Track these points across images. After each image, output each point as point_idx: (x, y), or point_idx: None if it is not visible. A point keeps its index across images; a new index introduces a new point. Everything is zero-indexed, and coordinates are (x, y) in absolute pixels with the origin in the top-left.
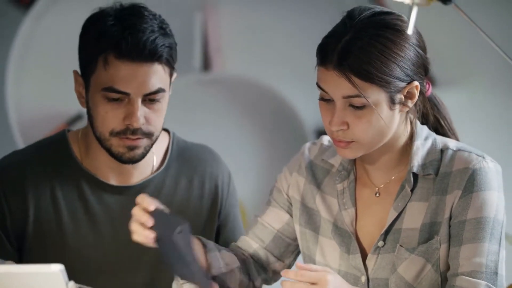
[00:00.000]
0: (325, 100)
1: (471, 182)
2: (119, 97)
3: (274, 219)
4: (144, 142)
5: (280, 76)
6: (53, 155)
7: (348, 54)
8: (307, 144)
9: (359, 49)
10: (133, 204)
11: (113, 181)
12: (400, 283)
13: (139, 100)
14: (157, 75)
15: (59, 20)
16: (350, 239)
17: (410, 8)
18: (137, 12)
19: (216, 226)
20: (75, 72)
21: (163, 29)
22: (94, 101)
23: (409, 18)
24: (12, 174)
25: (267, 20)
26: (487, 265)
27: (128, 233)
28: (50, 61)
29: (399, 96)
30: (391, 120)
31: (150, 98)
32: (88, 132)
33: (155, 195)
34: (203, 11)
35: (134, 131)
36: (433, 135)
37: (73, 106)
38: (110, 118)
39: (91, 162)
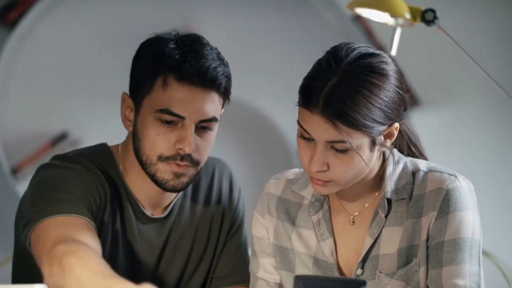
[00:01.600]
0: (305, 138)
1: (446, 203)
2: (173, 120)
3: (271, 270)
4: (190, 170)
5: (266, 95)
6: (105, 168)
7: (335, 100)
8: (271, 181)
9: (346, 95)
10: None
11: (147, 208)
12: None
13: (193, 126)
14: (213, 104)
15: (43, 40)
16: (331, 270)
17: (393, 29)
18: (197, 39)
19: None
20: (124, 94)
21: (221, 60)
22: (145, 123)
23: (392, 39)
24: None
25: (253, 38)
26: (470, 286)
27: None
28: (35, 80)
29: (380, 138)
30: (370, 160)
31: (203, 126)
32: (126, 154)
33: (178, 218)
34: (187, 29)
35: (184, 157)
36: (404, 158)
37: (57, 125)
38: (161, 141)
39: (131, 184)
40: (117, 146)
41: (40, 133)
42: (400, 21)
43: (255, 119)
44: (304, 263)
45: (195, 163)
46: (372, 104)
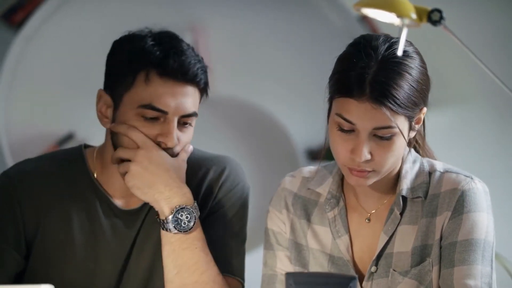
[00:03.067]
0: (345, 131)
1: (460, 204)
2: (156, 116)
3: (288, 264)
4: None
5: (270, 96)
6: (69, 170)
7: (381, 84)
8: (287, 178)
9: (390, 79)
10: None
11: (120, 202)
12: None
13: (175, 120)
14: (193, 98)
15: (49, 40)
16: (347, 267)
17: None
18: (174, 36)
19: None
20: (100, 91)
21: (198, 56)
22: (126, 119)
23: (398, 39)
24: (28, 183)
25: (257, 39)
26: None
27: (129, 253)
28: (41, 81)
29: (413, 123)
30: (406, 146)
31: (184, 121)
32: (104, 152)
33: (153, 209)
34: (193, 31)
35: (166, 150)
36: (420, 158)
37: (64, 126)
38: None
39: (105, 181)
40: (94, 147)
41: (47, 134)
42: (406, 21)
43: (261, 119)
44: (318, 261)
45: (176, 155)
46: (412, 86)
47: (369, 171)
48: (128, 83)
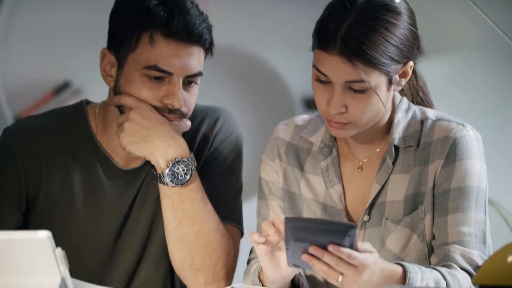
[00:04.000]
0: (322, 81)
1: (452, 151)
2: (161, 76)
3: (280, 213)
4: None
5: (268, 45)
6: (71, 128)
7: (352, 39)
8: (279, 127)
9: (363, 34)
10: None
11: (122, 162)
12: (388, 257)
13: (181, 81)
14: (198, 58)
15: None
16: (340, 216)
17: None
18: None
19: None
20: (104, 49)
21: (203, 14)
22: (130, 79)
23: None
24: (31, 139)
25: None
26: (476, 235)
27: (129, 212)
28: (37, 29)
29: (396, 77)
30: (387, 100)
31: (189, 81)
32: (107, 110)
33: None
34: None
35: (173, 111)
36: (413, 107)
37: (60, 74)
38: (147, 95)
39: (106, 140)
40: (96, 104)
41: (43, 83)
42: None
43: (259, 68)
44: (311, 209)
45: (183, 116)
46: (388, 42)
47: (346, 123)
48: (132, 44)
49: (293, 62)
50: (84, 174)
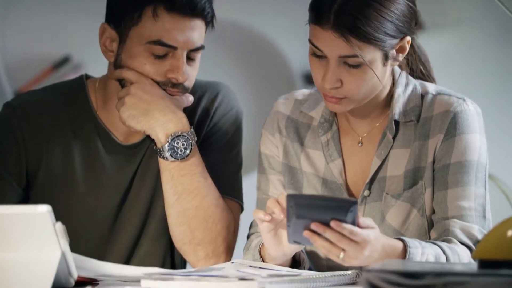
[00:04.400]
0: (318, 56)
1: (453, 125)
2: (165, 52)
3: (280, 187)
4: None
5: (268, 19)
6: (71, 103)
7: (346, 14)
8: (280, 101)
9: (357, 9)
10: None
11: (122, 137)
12: (388, 231)
13: (185, 55)
14: (200, 32)
15: None
16: (340, 190)
17: None
18: None
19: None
20: (103, 24)
21: None
22: (133, 54)
23: None
24: (31, 113)
25: None
26: (475, 209)
27: (129, 187)
28: (36, 3)
29: (392, 52)
30: (383, 75)
31: (191, 55)
32: (107, 84)
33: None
34: None
35: (176, 85)
36: (413, 81)
37: (59, 49)
38: (150, 69)
39: (106, 115)
40: (96, 79)
41: (42, 57)
42: None
43: (259, 42)
44: (312, 184)
45: (186, 90)
46: (383, 17)
47: (341, 98)
48: (135, 18)
49: (293, 36)
50: (84, 149)
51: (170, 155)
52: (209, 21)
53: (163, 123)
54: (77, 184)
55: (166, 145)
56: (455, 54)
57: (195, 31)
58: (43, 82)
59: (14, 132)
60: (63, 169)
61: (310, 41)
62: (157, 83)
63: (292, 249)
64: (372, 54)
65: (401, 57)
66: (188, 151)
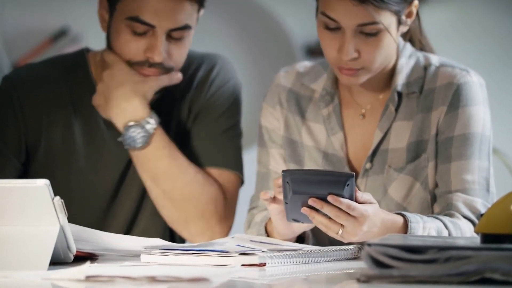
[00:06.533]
0: (330, 29)
1: (456, 97)
2: (144, 30)
3: (281, 161)
4: (161, 75)
5: None
6: (71, 76)
7: None
8: (281, 73)
9: None
10: None
11: None
12: (390, 205)
13: (164, 34)
14: (185, 12)
15: None
16: (341, 164)
17: None
18: None
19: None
20: None
21: None
22: (117, 28)
23: None
24: (31, 88)
25: None
26: (479, 182)
27: (128, 162)
28: None
29: (403, 17)
30: (397, 42)
31: (175, 34)
32: (107, 55)
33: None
34: None
35: (153, 65)
36: (417, 53)
37: (57, 21)
38: (130, 48)
39: None
40: (96, 52)
41: (40, 30)
42: None
43: (259, 15)
44: (313, 157)
45: (167, 69)
46: None
47: (358, 69)
48: None
49: (294, 9)
50: (84, 124)
51: (128, 144)
52: (198, 1)
53: (119, 112)
54: (77, 159)
55: (124, 135)
56: (459, 26)
57: (177, 11)
58: (42, 55)
59: (13, 107)
60: (63, 143)
61: (323, 13)
62: (136, 63)
63: (301, 228)
64: (388, 20)
65: (409, 22)
66: (145, 139)
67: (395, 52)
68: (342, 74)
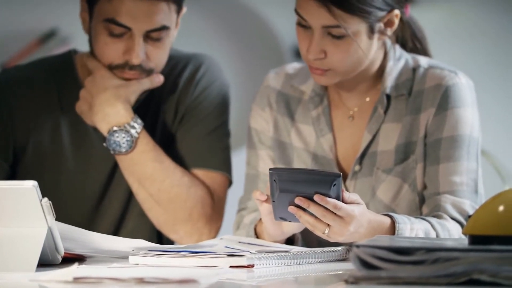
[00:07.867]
0: (303, 26)
1: (444, 99)
2: (121, 32)
3: (270, 163)
4: (142, 78)
5: None
6: (58, 78)
7: None
8: (270, 75)
9: None
10: None
11: None
12: (379, 207)
13: (141, 36)
14: (161, 13)
15: None
16: (331, 166)
17: None
18: None
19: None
20: None
21: None
22: (96, 31)
23: None
24: (18, 89)
25: None
26: (467, 184)
27: (115, 163)
28: None
29: (379, 25)
30: (369, 49)
31: (153, 35)
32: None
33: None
34: None
35: (132, 67)
36: (406, 55)
37: (46, 22)
38: (109, 51)
39: None
40: (83, 54)
41: (29, 31)
42: None
43: (248, 16)
44: (302, 159)
45: (148, 71)
46: None
47: (326, 70)
48: None
49: (283, 10)
50: (72, 125)
51: (113, 149)
52: (172, 1)
53: (103, 117)
54: (65, 160)
55: (107, 140)
56: (451, 28)
57: (153, 12)
58: (30, 56)
59: (0, 108)
60: (52, 144)
61: (295, 10)
62: (116, 66)
63: (290, 228)
64: (356, 26)
65: (389, 31)
66: (130, 143)
67: (369, 57)
68: (312, 72)
